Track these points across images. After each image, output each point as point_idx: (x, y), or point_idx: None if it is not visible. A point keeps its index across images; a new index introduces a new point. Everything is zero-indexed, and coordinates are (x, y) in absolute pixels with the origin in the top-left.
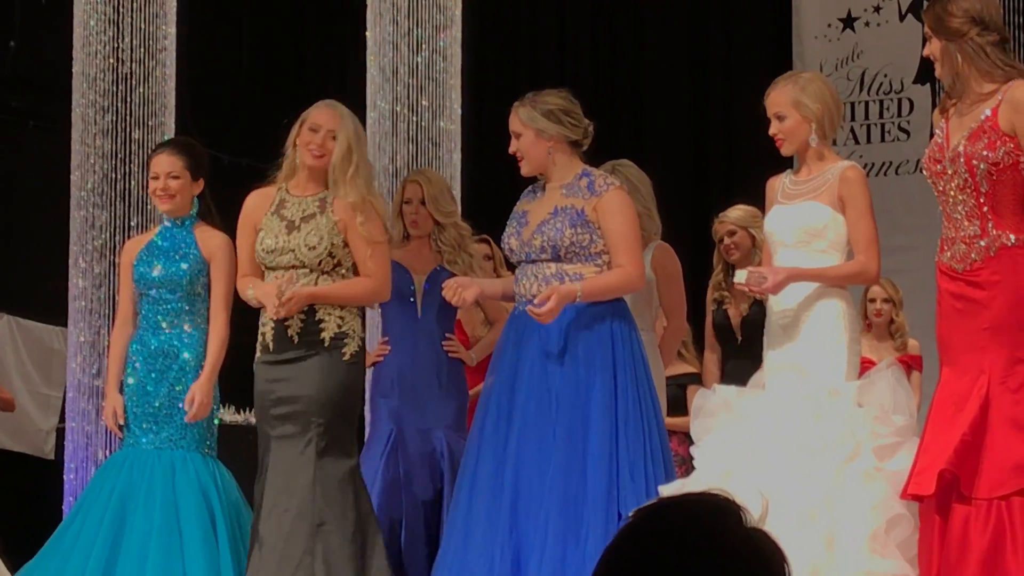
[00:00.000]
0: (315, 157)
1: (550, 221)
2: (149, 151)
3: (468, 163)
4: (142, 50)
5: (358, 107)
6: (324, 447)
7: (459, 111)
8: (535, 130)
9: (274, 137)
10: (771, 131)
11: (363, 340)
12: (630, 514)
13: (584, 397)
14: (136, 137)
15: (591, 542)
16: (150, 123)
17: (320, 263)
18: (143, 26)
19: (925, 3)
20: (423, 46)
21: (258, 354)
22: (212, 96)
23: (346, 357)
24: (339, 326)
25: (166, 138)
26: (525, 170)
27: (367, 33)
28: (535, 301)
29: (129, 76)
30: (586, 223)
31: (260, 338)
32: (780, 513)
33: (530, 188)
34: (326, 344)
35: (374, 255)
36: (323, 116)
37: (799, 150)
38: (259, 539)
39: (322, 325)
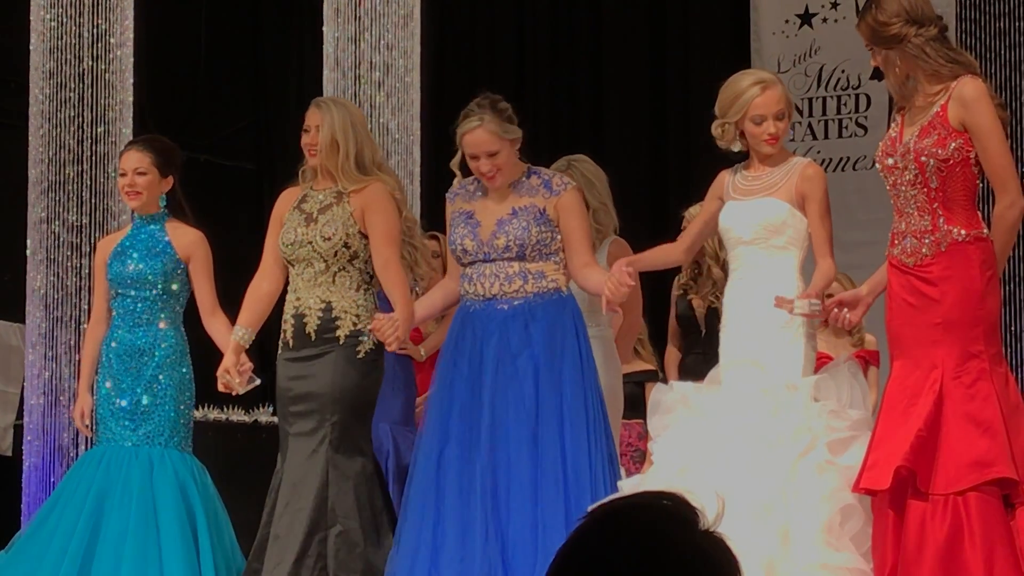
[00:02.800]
0: (311, 155)
1: (512, 221)
2: (107, 147)
3: (427, 159)
4: (100, 46)
5: None
6: (338, 444)
7: (418, 107)
8: (510, 140)
9: (232, 133)
10: (770, 130)
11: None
12: (584, 515)
13: (559, 394)
14: (93, 133)
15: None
16: (108, 118)
17: (336, 254)
18: (101, 22)
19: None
20: (381, 43)
21: (279, 350)
22: (170, 92)
23: (361, 355)
24: (354, 324)
25: (124, 134)
26: (498, 185)
27: (324, 29)
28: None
29: (87, 72)
30: (547, 221)
31: (281, 334)
32: (736, 507)
33: (460, 186)
34: (341, 342)
35: (389, 244)
36: (310, 115)
37: (776, 150)
38: (274, 535)
39: (338, 323)
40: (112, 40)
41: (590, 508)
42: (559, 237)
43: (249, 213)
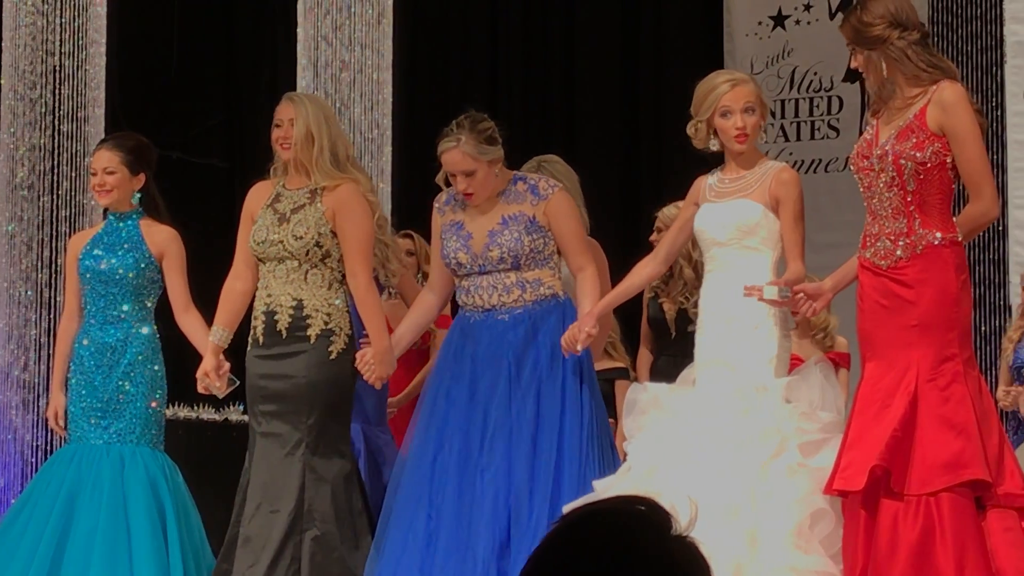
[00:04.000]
0: (284, 149)
1: (503, 231)
2: (79, 144)
3: (398, 158)
4: (72, 43)
5: None
6: (315, 446)
7: (390, 106)
8: (488, 161)
9: (204, 130)
10: (738, 124)
11: (351, 337)
12: (557, 520)
13: (558, 397)
14: (65, 130)
15: None
16: (80, 116)
17: (308, 253)
18: (73, 19)
19: (855, 1)
20: (354, 40)
21: (249, 347)
22: (143, 89)
23: (333, 355)
24: (326, 323)
25: (97, 131)
26: (476, 202)
27: (297, 27)
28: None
29: (59, 69)
30: (539, 228)
31: (251, 331)
32: (705, 509)
33: (449, 195)
34: (313, 341)
35: (361, 260)
36: (282, 109)
37: (749, 148)
38: (245, 536)
39: (309, 321)
40: (85, 37)
41: (563, 512)
42: (552, 242)
43: (221, 210)
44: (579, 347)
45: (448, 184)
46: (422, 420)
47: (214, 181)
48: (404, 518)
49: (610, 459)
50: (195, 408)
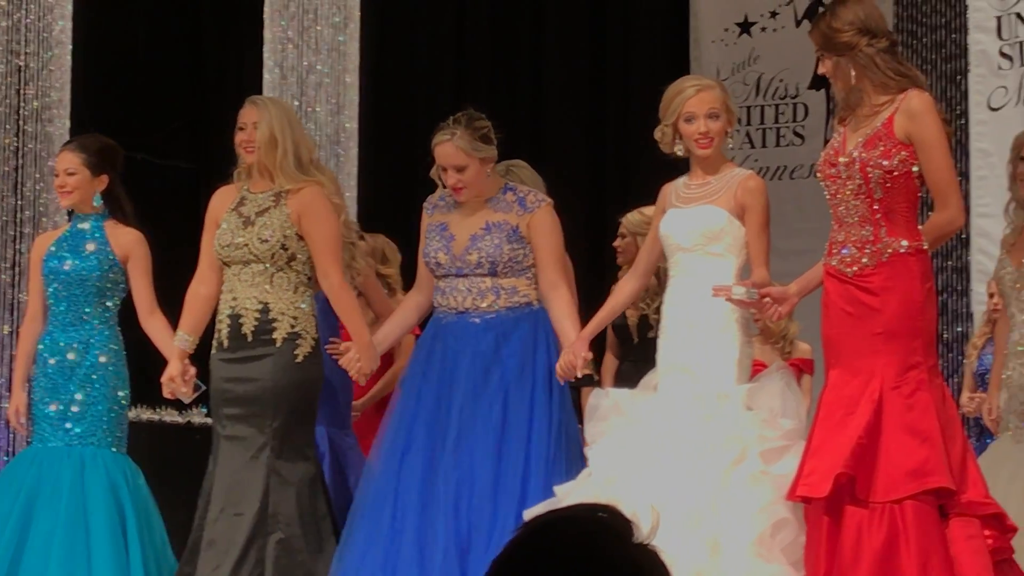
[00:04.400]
0: (248, 153)
1: (484, 237)
2: (43, 145)
3: (365, 160)
4: (37, 43)
5: None
6: (280, 450)
7: (356, 109)
8: (480, 159)
9: (169, 132)
10: (700, 129)
11: (316, 341)
12: (519, 528)
13: (527, 405)
14: (30, 131)
15: None
16: (44, 117)
17: (273, 256)
18: (38, 19)
19: (820, 9)
20: (320, 44)
21: (213, 350)
22: (107, 90)
23: (299, 358)
24: (292, 326)
25: (61, 132)
26: (464, 198)
27: (264, 30)
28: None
29: (24, 69)
30: (520, 239)
31: (216, 333)
32: (666, 517)
33: (439, 198)
34: (279, 344)
35: (331, 259)
36: (245, 113)
37: (714, 154)
38: (208, 540)
39: (275, 325)
40: (50, 37)
41: (524, 519)
42: (531, 254)
43: (186, 212)
44: (579, 373)
45: (441, 183)
46: (393, 420)
47: (179, 183)
48: (370, 516)
49: (579, 468)
50: (158, 411)
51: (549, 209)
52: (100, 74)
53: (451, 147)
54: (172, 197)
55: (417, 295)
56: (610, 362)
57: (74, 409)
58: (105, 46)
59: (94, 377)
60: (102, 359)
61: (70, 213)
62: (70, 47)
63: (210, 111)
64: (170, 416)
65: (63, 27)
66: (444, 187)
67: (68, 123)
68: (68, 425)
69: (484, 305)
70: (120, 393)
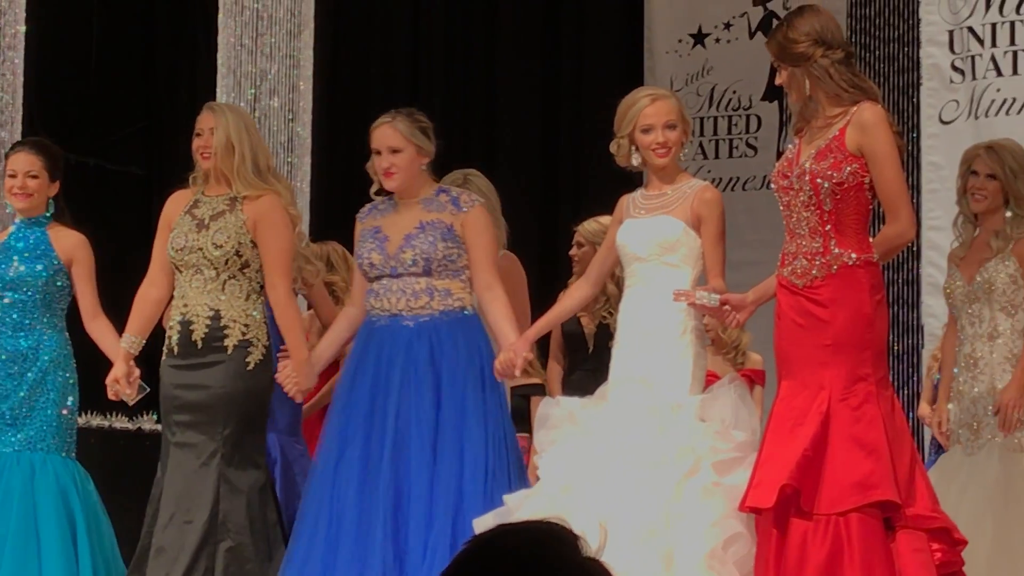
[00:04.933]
0: (204, 159)
1: (419, 235)
2: None
3: (317, 169)
4: None
5: None
6: (230, 457)
7: (310, 116)
8: (416, 146)
9: (122, 137)
10: (659, 139)
11: (268, 348)
12: (468, 540)
13: (461, 411)
14: None
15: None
16: None
17: (227, 262)
18: None
19: (774, 22)
20: (275, 51)
21: (164, 356)
22: (60, 95)
23: (250, 366)
24: (243, 334)
25: (13, 136)
26: (394, 184)
27: (218, 36)
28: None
29: None
30: (455, 238)
31: (166, 340)
32: (620, 529)
33: (371, 206)
34: (230, 352)
35: (280, 271)
36: (203, 118)
37: (670, 164)
38: (157, 547)
39: (226, 332)
40: (2, 41)
41: (474, 533)
42: (465, 255)
43: (138, 218)
44: (517, 372)
45: (377, 180)
46: (329, 427)
47: (131, 189)
48: (308, 525)
49: (516, 472)
50: (108, 416)
51: (482, 209)
52: (53, 79)
53: (389, 128)
54: (125, 203)
55: (351, 308)
56: (556, 370)
57: (22, 415)
58: (58, 51)
59: (44, 382)
60: (50, 364)
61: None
62: (23, 51)
63: (163, 117)
64: (120, 422)
65: (16, 31)
66: (376, 179)
67: (20, 127)
68: (15, 430)
69: (418, 307)
70: (70, 398)
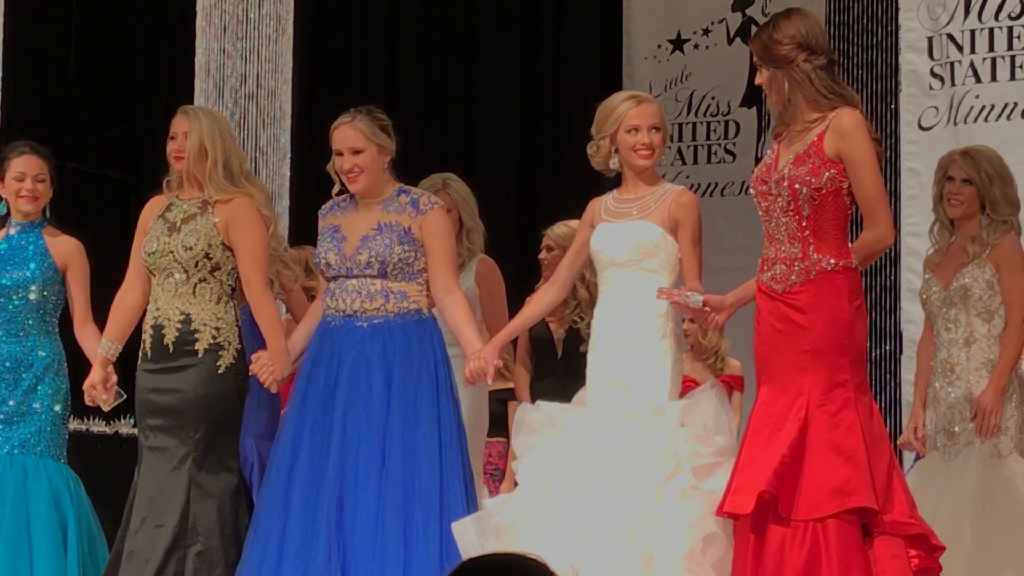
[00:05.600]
0: (177, 161)
1: (375, 237)
2: None
3: (296, 173)
4: None
5: None
6: (201, 461)
7: (289, 121)
8: (378, 145)
9: (100, 141)
10: (644, 140)
11: (239, 351)
12: (453, 568)
13: (412, 410)
14: None
15: (420, 552)
16: None
17: (197, 264)
18: None
19: (753, 28)
20: (253, 55)
21: (139, 360)
22: (39, 98)
23: (221, 369)
24: (214, 337)
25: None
26: (359, 187)
27: (196, 40)
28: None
29: None
30: (412, 240)
31: (141, 344)
32: (600, 532)
33: (333, 203)
34: (201, 355)
35: (254, 267)
36: (176, 122)
37: (649, 167)
38: (129, 551)
39: (197, 335)
40: None
41: (457, 564)
42: (423, 258)
43: (116, 222)
44: (489, 380)
45: (338, 179)
46: (285, 427)
47: (109, 192)
48: (263, 529)
49: (470, 474)
50: (85, 421)
51: (441, 212)
52: (31, 82)
53: (350, 129)
54: (102, 206)
55: (320, 304)
56: (523, 376)
57: (16, 419)
58: (36, 54)
59: (38, 387)
60: (45, 369)
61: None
62: (0, 55)
63: (141, 121)
64: (97, 426)
65: None
66: (338, 179)
67: None
68: (8, 434)
69: (372, 308)
70: (62, 403)
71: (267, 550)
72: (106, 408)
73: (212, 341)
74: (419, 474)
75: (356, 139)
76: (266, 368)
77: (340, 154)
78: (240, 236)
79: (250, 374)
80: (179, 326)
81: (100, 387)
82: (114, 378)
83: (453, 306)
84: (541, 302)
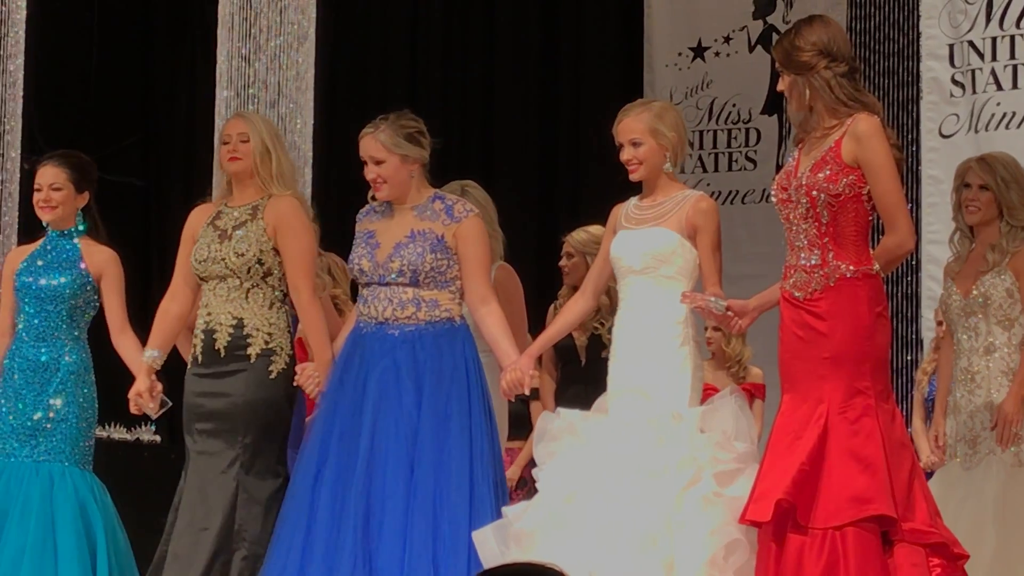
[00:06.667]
0: (232, 161)
1: (408, 245)
2: None
3: (317, 180)
4: None
5: (207, 121)
6: (249, 466)
7: (311, 128)
8: (400, 156)
9: (121, 148)
10: (624, 156)
11: (291, 357)
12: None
13: (443, 420)
14: None
15: (448, 565)
16: None
17: (249, 270)
18: None
19: (774, 36)
20: (275, 62)
21: (189, 365)
22: (60, 106)
23: (273, 375)
24: (266, 343)
25: (13, 146)
26: (385, 195)
27: (217, 47)
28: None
29: None
30: (445, 249)
31: (192, 348)
32: (620, 538)
33: (369, 207)
34: (253, 360)
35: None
36: (230, 126)
37: (647, 179)
38: (173, 554)
39: (249, 340)
40: (2, 51)
41: (477, 574)
42: (456, 266)
43: (137, 229)
44: (526, 391)
45: (372, 195)
46: (313, 432)
47: (130, 199)
48: (286, 535)
49: (502, 484)
50: (106, 428)
51: (477, 220)
52: (52, 90)
53: (371, 140)
54: (122, 213)
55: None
56: (548, 384)
57: (42, 426)
58: (57, 62)
59: (64, 394)
60: (72, 376)
61: (37, 227)
62: (22, 62)
63: (162, 128)
64: (119, 434)
65: (16, 42)
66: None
67: (20, 138)
68: (35, 442)
69: (404, 316)
70: (89, 411)
71: (289, 555)
72: (153, 416)
73: (264, 346)
74: (448, 486)
75: (377, 150)
76: (312, 379)
77: (365, 163)
78: (287, 240)
79: (294, 383)
80: (231, 331)
81: (146, 395)
82: (159, 386)
83: (489, 316)
84: (573, 312)
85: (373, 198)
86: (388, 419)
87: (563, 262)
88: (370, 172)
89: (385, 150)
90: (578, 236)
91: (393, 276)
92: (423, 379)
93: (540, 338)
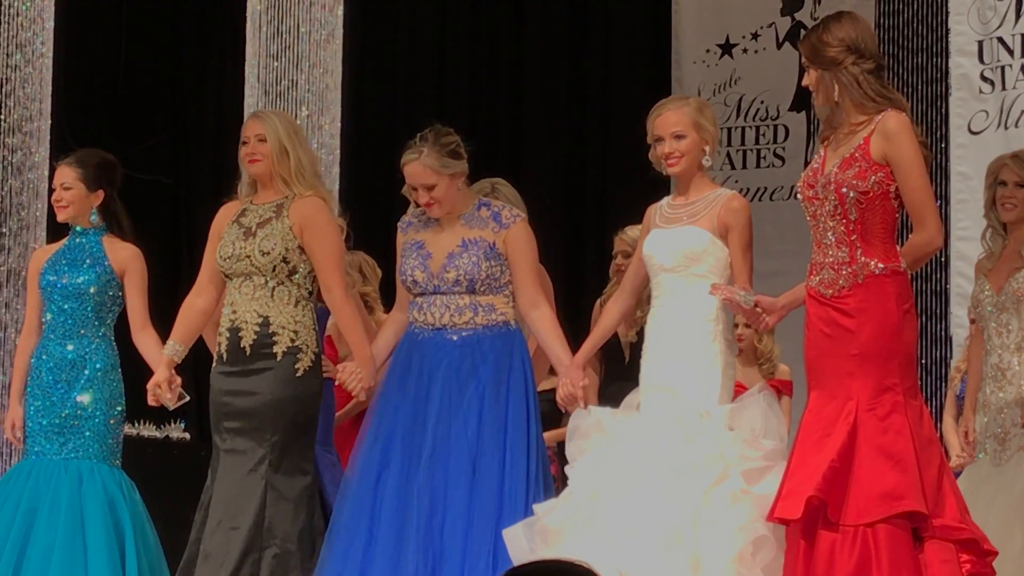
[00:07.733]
0: (251, 163)
1: (461, 254)
2: (24, 158)
3: (345, 178)
4: (19, 55)
5: (235, 119)
6: (278, 464)
7: (338, 126)
8: (449, 175)
9: (149, 147)
10: (666, 149)
11: (317, 355)
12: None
13: (502, 423)
14: (10, 143)
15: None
16: (25, 129)
17: (275, 268)
18: (19, 31)
19: (802, 32)
20: (303, 60)
21: (214, 363)
22: (88, 104)
23: (299, 372)
24: (292, 340)
25: (42, 145)
26: (438, 214)
27: (246, 46)
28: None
29: (5, 82)
30: (497, 255)
31: (217, 347)
32: (647, 535)
33: (413, 215)
34: (279, 358)
35: (334, 273)
36: (248, 127)
37: (685, 173)
38: (204, 553)
39: (275, 338)
40: (31, 50)
41: (505, 571)
42: (508, 271)
43: (165, 227)
44: (582, 405)
45: (414, 202)
46: (369, 435)
47: (158, 198)
48: (346, 535)
49: (548, 481)
50: (136, 425)
51: (524, 224)
52: (80, 88)
53: (419, 166)
54: (150, 212)
55: (399, 313)
56: (592, 379)
57: (70, 423)
58: (85, 60)
59: (91, 391)
60: (99, 373)
61: (64, 227)
62: (51, 60)
63: (190, 127)
64: (148, 431)
65: (44, 41)
66: (417, 205)
67: (48, 137)
68: (64, 439)
69: (462, 322)
70: (116, 407)
71: (350, 553)
72: (170, 407)
73: (290, 344)
74: (509, 484)
75: (426, 176)
76: (354, 376)
77: (414, 189)
78: (315, 239)
79: (336, 382)
80: (257, 329)
81: (165, 387)
82: (178, 379)
83: (540, 320)
84: (612, 313)
85: (417, 205)
86: (450, 422)
87: (619, 260)
88: (422, 197)
89: (435, 174)
90: (632, 233)
91: (449, 286)
92: (483, 382)
93: (586, 344)
